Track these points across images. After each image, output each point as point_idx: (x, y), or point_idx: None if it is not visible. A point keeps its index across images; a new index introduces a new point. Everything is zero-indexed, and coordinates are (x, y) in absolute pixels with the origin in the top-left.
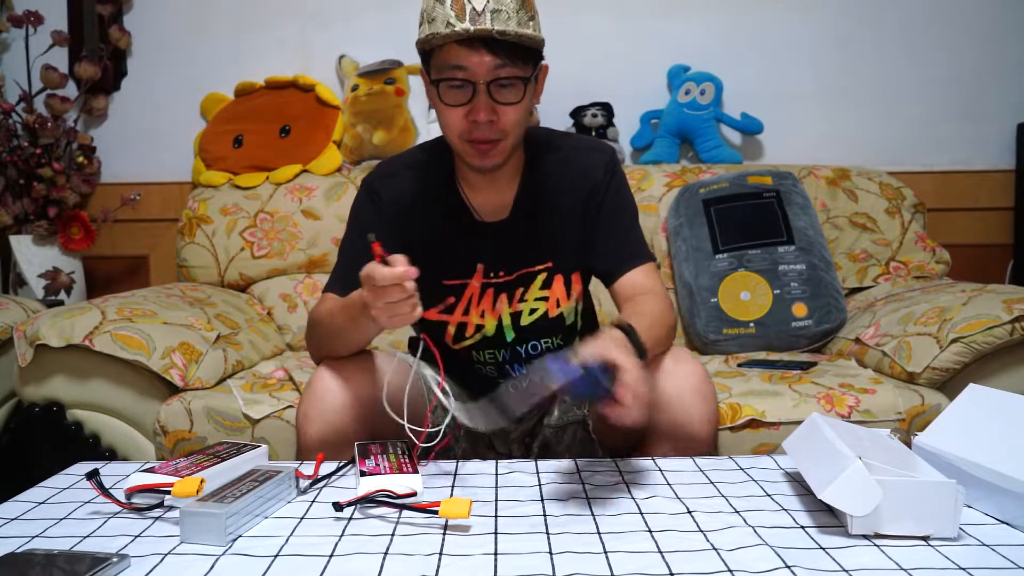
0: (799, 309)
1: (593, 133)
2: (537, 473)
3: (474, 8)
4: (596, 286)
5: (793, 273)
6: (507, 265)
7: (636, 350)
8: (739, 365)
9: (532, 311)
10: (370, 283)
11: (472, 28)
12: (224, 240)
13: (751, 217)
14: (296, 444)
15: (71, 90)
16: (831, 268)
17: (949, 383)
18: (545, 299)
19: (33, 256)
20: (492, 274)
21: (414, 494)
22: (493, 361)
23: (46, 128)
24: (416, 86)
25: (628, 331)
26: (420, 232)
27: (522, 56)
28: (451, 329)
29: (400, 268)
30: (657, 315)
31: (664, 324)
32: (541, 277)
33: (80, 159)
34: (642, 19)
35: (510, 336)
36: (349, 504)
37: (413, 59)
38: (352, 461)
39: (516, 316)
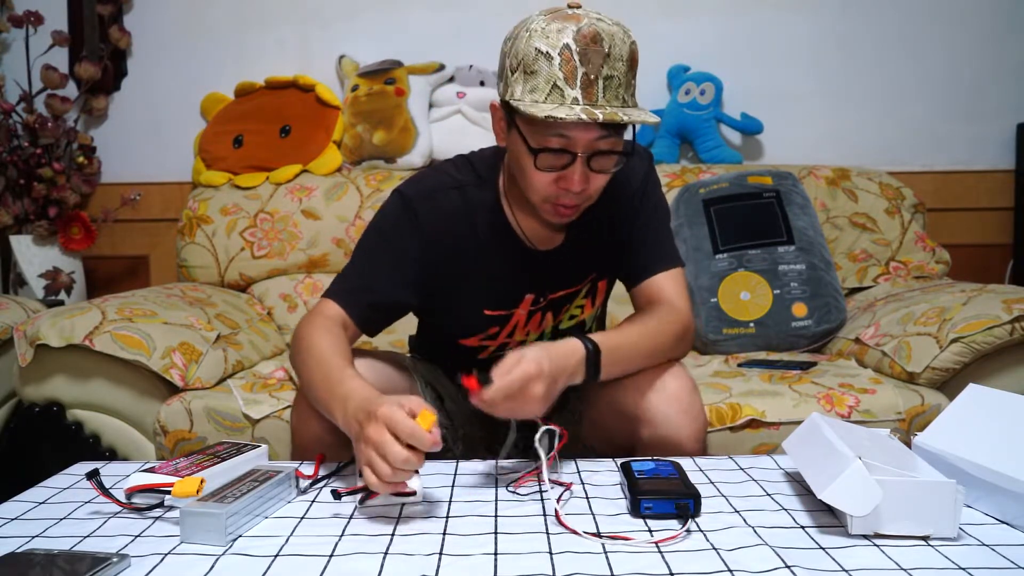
0: (799, 309)
1: None
2: (537, 473)
3: (586, 74)
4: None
5: (793, 273)
6: (555, 288)
7: (588, 373)
8: (739, 365)
9: (571, 317)
10: (386, 424)
11: (595, 112)
12: (224, 240)
13: (751, 217)
14: (291, 444)
15: (71, 90)
16: (831, 268)
17: (949, 383)
18: (583, 307)
19: (33, 256)
20: (541, 300)
21: (413, 493)
22: None
23: (46, 128)
24: (416, 87)
25: (589, 350)
26: (462, 260)
27: (624, 125)
28: (490, 349)
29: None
30: (653, 328)
31: (659, 338)
32: (586, 288)
33: (80, 159)
34: (642, 19)
35: (547, 340)
36: (348, 493)
37: (413, 59)
38: (352, 460)
39: (556, 324)
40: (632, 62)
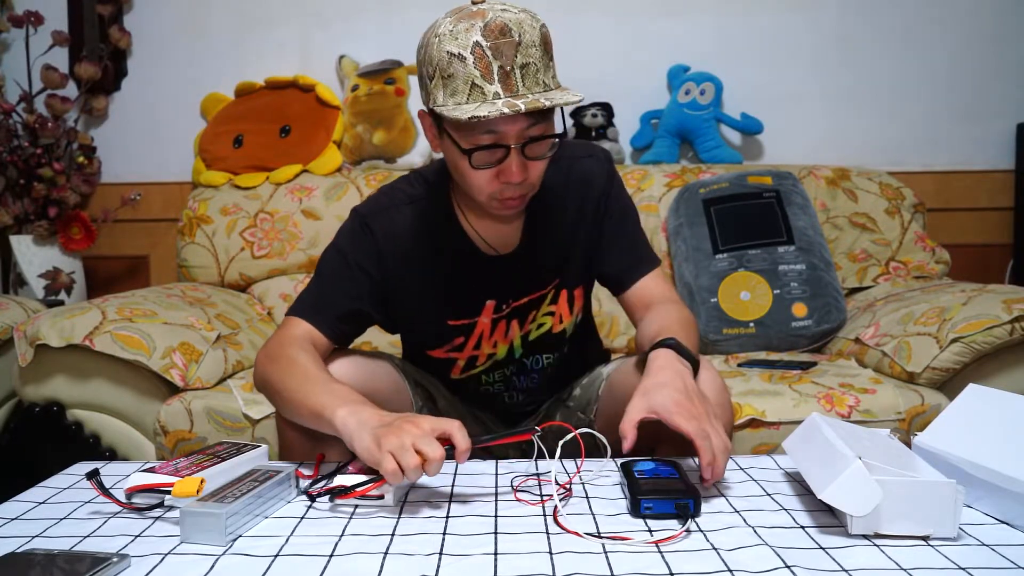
0: (799, 309)
1: (593, 133)
2: (537, 473)
3: (502, 67)
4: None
5: (793, 273)
6: (517, 294)
7: (689, 362)
8: (739, 365)
9: (540, 326)
10: (412, 431)
11: (516, 103)
12: (224, 240)
13: (751, 217)
14: (278, 443)
15: (71, 90)
16: (831, 268)
17: (949, 383)
18: (552, 314)
19: (33, 256)
20: (503, 307)
21: (381, 497)
22: (501, 379)
23: (46, 128)
24: (416, 87)
25: (675, 347)
26: (421, 272)
27: (552, 109)
28: (460, 363)
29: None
30: (685, 320)
31: (692, 327)
32: (550, 295)
33: (80, 159)
34: (642, 19)
35: (519, 354)
36: (320, 495)
37: (413, 59)
38: (350, 461)
39: (525, 335)
40: (546, 45)
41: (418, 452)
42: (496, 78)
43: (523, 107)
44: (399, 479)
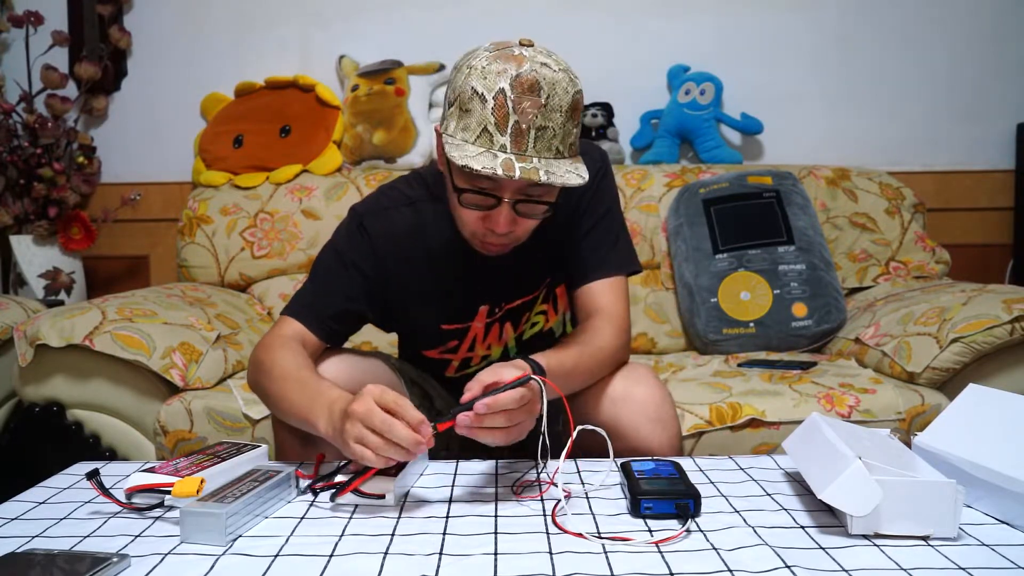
0: (799, 309)
1: (593, 133)
2: (537, 472)
3: (518, 123)
4: None
5: (793, 273)
6: (510, 297)
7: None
8: (739, 365)
9: (533, 325)
10: (368, 420)
11: (515, 167)
12: (224, 240)
13: (751, 217)
14: (274, 445)
15: (71, 90)
16: (831, 268)
17: (949, 383)
18: (544, 313)
19: (33, 256)
20: (496, 310)
21: (382, 496)
22: None
23: (46, 128)
24: (416, 87)
25: (535, 368)
26: (417, 274)
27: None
28: (455, 363)
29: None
30: (593, 347)
31: (597, 357)
32: (542, 294)
33: (80, 159)
34: (642, 19)
35: (513, 354)
36: (323, 489)
37: (413, 59)
38: (349, 460)
39: (519, 335)
40: (573, 111)
41: (378, 433)
42: (509, 131)
43: (518, 174)
44: (380, 462)
